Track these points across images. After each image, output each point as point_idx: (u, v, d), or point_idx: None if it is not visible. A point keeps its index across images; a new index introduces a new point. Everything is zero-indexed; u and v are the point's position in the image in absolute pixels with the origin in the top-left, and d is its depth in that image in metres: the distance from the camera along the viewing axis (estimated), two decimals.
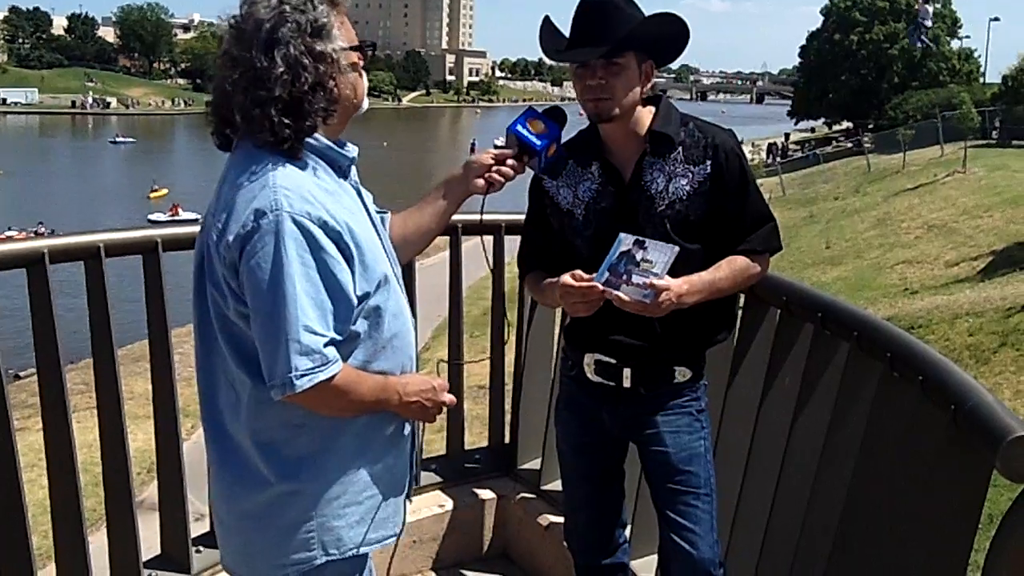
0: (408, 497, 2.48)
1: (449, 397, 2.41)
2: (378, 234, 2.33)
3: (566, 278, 2.69)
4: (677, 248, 2.63)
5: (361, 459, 2.30)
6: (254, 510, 2.29)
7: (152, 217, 42.46)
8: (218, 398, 2.30)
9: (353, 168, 2.35)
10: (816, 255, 25.45)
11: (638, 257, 2.63)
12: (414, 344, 2.40)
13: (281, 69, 2.11)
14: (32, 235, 30.18)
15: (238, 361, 2.20)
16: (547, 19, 2.87)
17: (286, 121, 2.12)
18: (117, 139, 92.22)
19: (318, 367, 2.10)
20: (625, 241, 2.65)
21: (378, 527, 2.35)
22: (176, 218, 40.76)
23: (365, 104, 2.35)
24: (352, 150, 2.32)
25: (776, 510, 3.09)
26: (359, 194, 2.35)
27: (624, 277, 2.63)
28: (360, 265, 2.18)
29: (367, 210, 2.35)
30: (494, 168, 2.61)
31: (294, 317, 2.07)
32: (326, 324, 2.11)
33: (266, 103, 2.11)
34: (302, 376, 2.08)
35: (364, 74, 2.32)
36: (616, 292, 2.62)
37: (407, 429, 2.41)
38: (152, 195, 53.30)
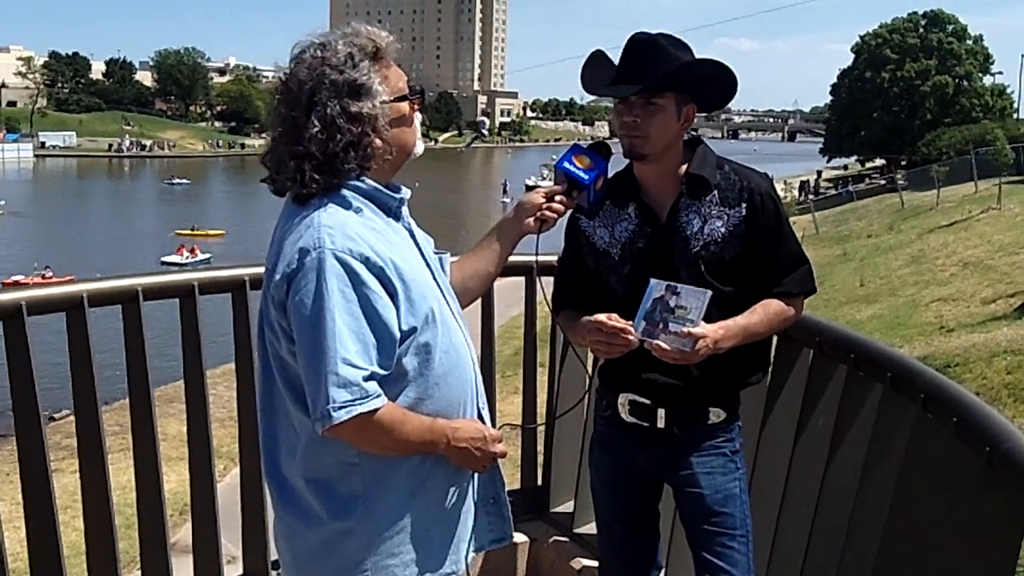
0: (487, 545, 2.51)
1: (500, 448, 2.40)
2: (432, 273, 2.37)
3: (601, 317, 2.70)
4: (711, 292, 2.64)
5: (416, 498, 2.31)
6: (310, 549, 2.31)
7: (165, 259, 41.70)
8: (277, 436, 2.34)
9: (405, 209, 2.39)
10: (850, 293, 25.25)
11: (672, 304, 2.63)
12: (472, 382, 2.40)
13: (316, 128, 2.18)
14: (39, 279, 30.59)
15: (294, 400, 2.24)
16: (597, 53, 2.89)
17: (316, 177, 2.19)
18: (173, 180, 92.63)
19: (356, 400, 2.12)
20: (657, 287, 2.66)
21: (434, 566, 2.35)
22: (194, 259, 40.48)
23: (419, 148, 2.41)
24: (402, 192, 2.37)
25: (812, 552, 3.06)
26: (411, 234, 2.39)
27: (660, 325, 2.63)
28: (406, 301, 2.21)
29: (420, 249, 2.39)
30: (544, 206, 2.64)
31: (333, 350, 2.10)
32: (368, 358, 2.14)
33: (302, 158, 2.19)
34: (340, 408, 2.10)
35: (417, 119, 2.38)
36: (656, 342, 2.63)
37: (468, 470, 2.41)
38: (182, 232, 53.26)
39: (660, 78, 2.70)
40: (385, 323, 2.16)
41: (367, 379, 2.13)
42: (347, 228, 2.17)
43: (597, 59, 2.90)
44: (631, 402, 2.92)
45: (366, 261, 2.15)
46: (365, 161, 2.23)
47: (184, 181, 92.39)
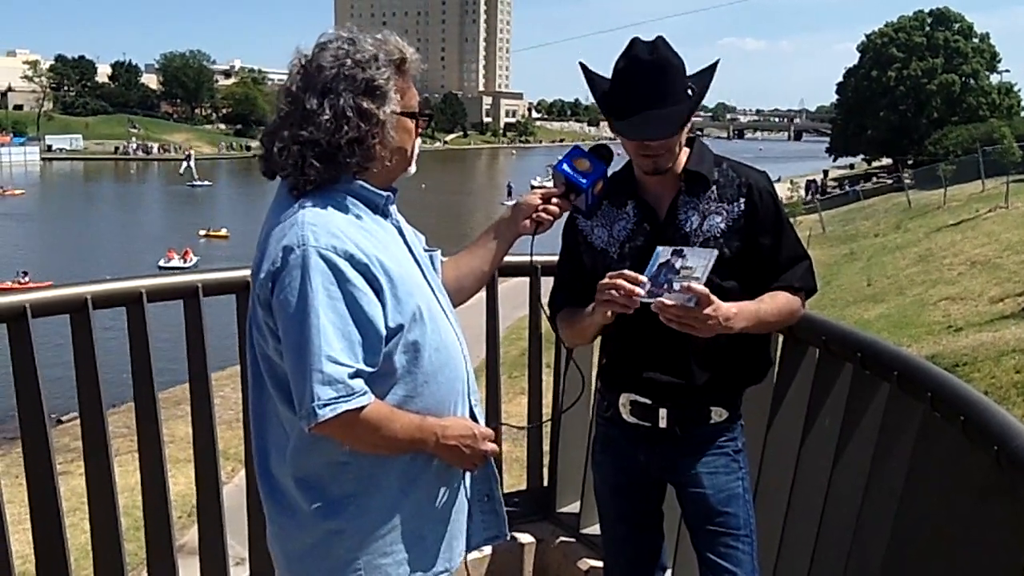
0: (482, 542, 2.51)
1: (491, 446, 2.40)
2: (421, 270, 2.37)
3: (626, 272, 2.61)
4: (716, 251, 2.60)
5: (408, 497, 2.31)
6: (302, 550, 2.32)
7: (162, 264, 40.58)
8: (267, 438, 2.34)
9: (394, 208, 2.39)
10: (858, 292, 25.21)
11: (677, 265, 2.58)
12: (464, 380, 2.40)
13: (327, 116, 2.19)
14: (16, 284, 30.58)
15: (283, 400, 2.24)
16: (587, 71, 2.85)
17: (316, 165, 2.19)
18: (195, 182, 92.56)
19: (341, 397, 2.12)
20: (663, 253, 2.62)
21: (427, 565, 2.36)
22: (184, 265, 40.03)
23: (413, 168, 2.41)
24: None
25: (818, 553, 3.05)
26: (400, 232, 2.39)
27: (665, 287, 2.58)
28: (392, 298, 2.21)
29: (409, 247, 2.39)
30: (540, 208, 2.64)
31: (317, 347, 2.11)
32: (353, 355, 2.14)
33: (305, 144, 2.19)
34: (325, 405, 2.11)
35: (417, 142, 2.39)
36: (659, 300, 2.56)
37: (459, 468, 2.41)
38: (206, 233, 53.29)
39: (691, 110, 2.70)
40: (370, 320, 2.17)
41: (353, 376, 2.14)
42: (331, 225, 2.18)
43: (606, 81, 2.78)
44: (632, 402, 2.91)
45: (350, 258, 2.16)
46: (366, 161, 2.24)
47: (206, 182, 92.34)
